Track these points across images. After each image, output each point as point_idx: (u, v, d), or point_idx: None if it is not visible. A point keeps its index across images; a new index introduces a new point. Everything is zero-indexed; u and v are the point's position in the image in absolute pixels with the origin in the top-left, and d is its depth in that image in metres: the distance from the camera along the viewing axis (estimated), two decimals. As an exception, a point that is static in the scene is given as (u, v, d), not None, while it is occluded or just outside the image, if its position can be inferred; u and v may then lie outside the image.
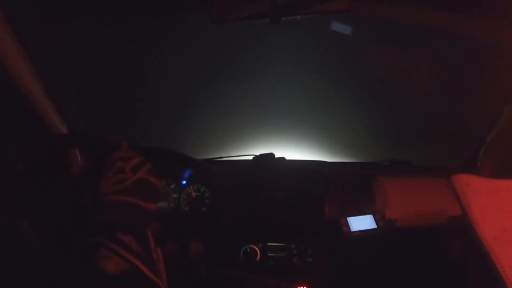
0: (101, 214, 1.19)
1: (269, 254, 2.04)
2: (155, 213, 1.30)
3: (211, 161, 2.38)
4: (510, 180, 1.67)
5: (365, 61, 2.73)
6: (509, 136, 1.99)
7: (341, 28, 2.28)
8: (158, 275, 1.18)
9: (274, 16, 1.59)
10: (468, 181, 1.72)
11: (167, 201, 2.14)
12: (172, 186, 2.17)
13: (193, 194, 2.15)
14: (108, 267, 1.07)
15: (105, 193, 1.22)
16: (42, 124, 1.71)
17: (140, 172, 1.29)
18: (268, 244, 2.06)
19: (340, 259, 2.11)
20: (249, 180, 2.20)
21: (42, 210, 1.53)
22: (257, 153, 2.27)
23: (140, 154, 1.37)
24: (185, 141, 2.88)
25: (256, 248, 2.03)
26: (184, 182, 2.17)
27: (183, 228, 2.06)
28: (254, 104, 2.92)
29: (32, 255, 1.55)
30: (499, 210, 1.59)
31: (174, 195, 2.15)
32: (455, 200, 2.02)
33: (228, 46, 2.74)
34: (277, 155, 2.26)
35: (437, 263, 2.17)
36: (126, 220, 1.18)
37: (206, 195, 2.15)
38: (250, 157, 2.28)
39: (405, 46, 2.56)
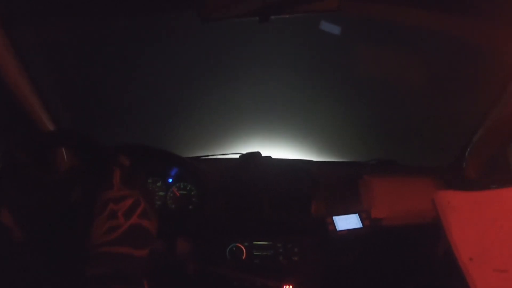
0: (93, 267, 1.13)
1: (255, 253, 2.04)
2: (148, 259, 1.25)
3: (198, 159, 2.37)
4: (492, 191, 1.68)
5: (353, 60, 2.74)
6: (495, 137, 2.01)
7: (330, 27, 2.28)
8: None
9: (263, 15, 1.59)
10: (449, 199, 1.72)
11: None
12: (159, 184, 2.16)
13: (178, 192, 2.14)
14: None
15: (97, 243, 1.16)
16: (29, 122, 1.69)
17: (134, 216, 1.21)
18: (254, 242, 2.06)
19: (326, 258, 2.12)
20: (235, 178, 2.20)
21: (28, 209, 1.51)
22: (244, 152, 2.27)
23: (133, 191, 1.28)
24: (172, 139, 2.87)
25: (242, 246, 2.03)
26: (170, 180, 2.17)
27: (170, 226, 2.06)
28: (241, 103, 2.92)
29: (21, 259, 1.54)
30: (479, 226, 1.60)
31: (161, 193, 2.14)
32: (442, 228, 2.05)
33: (215, 44, 2.73)
34: (263, 154, 2.26)
35: (422, 261, 2.19)
36: (120, 272, 1.13)
37: (192, 193, 2.15)
38: (237, 156, 2.28)
39: (393, 46, 2.57)
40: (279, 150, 2.89)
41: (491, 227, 1.55)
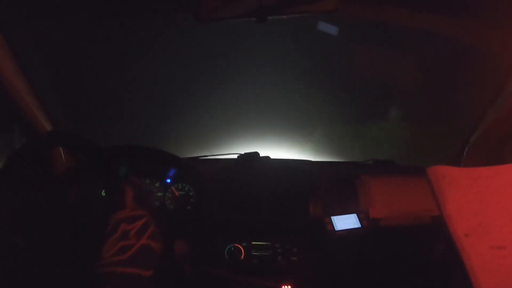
0: (104, 286, 1.15)
1: (254, 253, 2.04)
2: (153, 278, 1.27)
3: (196, 159, 2.37)
4: (490, 167, 1.65)
5: (350, 61, 2.74)
6: (493, 137, 2.02)
7: (328, 28, 2.28)
8: None
9: (261, 15, 1.59)
10: (444, 173, 1.67)
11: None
12: (157, 184, 2.16)
13: (177, 193, 2.14)
14: None
15: (108, 262, 1.18)
16: (27, 122, 1.69)
17: (144, 237, 1.25)
18: (253, 243, 2.06)
19: (324, 258, 2.12)
20: (233, 179, 2.19)
21: (26, 211, 1.51)
22: (242, 152, 2.27)
23: (145, 211, 1.32)
24: (170, 139, 2.87)
25: (241, 247, 2.03)
26: (168, 180, 2.16)
27: (168, 227, 2.06)
28: (239, 103, 2.92)
29: (19, 261, 1.54)
30: (476, 201, 1.56)
31: (159, 194, 2.14)
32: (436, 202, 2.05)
33: (213, 45, 2.73)
34: (262, 154, 2.26)
35: (421, 262, 2.19)
36: None
37: (190, 194, 2.15)
38: (235, 156, 2.28)
39: (391, 46, 2.57)
40: (277, 150, 2.89)
41: (488, 203, 1.52)
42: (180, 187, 2.16)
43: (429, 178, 1.69)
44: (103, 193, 1.67)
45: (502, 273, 1.36)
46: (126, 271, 1.17)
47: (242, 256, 2.02)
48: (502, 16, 1.60)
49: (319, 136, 2.99)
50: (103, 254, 1.19)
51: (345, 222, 2.02)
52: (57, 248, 1.56)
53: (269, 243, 2.07)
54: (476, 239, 1.44)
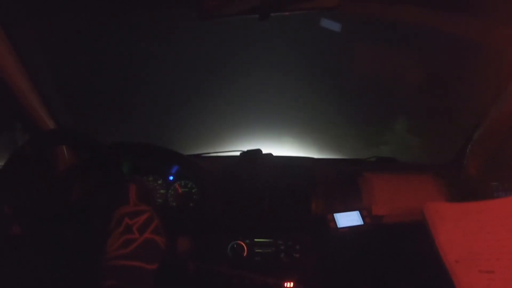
0: (108, 279, 1.16)
1: (256, 250, 2.04)
2: (157, 272, 1.28)
3: (199, 156, 2.37)
4: (479, 202, 1.70)
5: (353, 58, 2.74)
6: (496, 135, 2.01)
7: (330, 25, 2.28)
8: None
9: (263, 13, 1.59)
10: (437, 208, 1.76)
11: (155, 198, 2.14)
12: (160, 182, 2.16)
13: (180, 190, 2.15)
14: None
15: (112, 255, 1.20)
16: (29, 120, 1.69)
17: (148, 231, 1.27)
18: (255, 240, 2.06)
19: (326, 255, 2.12)
20: (236, 176, 2.19)
21: (29, 209, 1.51)
22: (245, 149, 2.27)
23: (148, 206, 1.34)
24: (173, 136, 2.88)
25: (243, 244, 2.03)
26: (171, 178, 2.17)
27: (171, 224, 2.06)
28: (242, 100, 2.92)
29: (23, 258, 1.54)
30: (467, 233, 1.62)
31: (162, 191, 2.15)
32: (441, 195, 2.05)
33: (216, 43, 2.73)
34: (264, 151, 2.26)
35: (423, 259, 2.19)
36: (132, 285, 1.17)
37: (193, 191, 2.15)
38: (238, 153, 2.28)
39: (393, 44, 2.57)
40: (280, 147, 2.89)
41: (478, 234, 1.58)
42: (183, 184, 2.16)
43: (424, 214, 1.77)
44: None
45: None
46: (129, 264, 1.18)
47: (245, 253, 2.02)
48: (506, 14, 1.59)
49: (322, 133, 2.99)
50: (107, 249, 1.21)
51: (347, 219, 2.02)
52: (60, 246, 1.56)
53: (271, 240, 2.07)
54: (466, 264, 1.50)
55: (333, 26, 2.29)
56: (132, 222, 1.26)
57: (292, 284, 1.92)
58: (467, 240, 1.58)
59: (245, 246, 2.03)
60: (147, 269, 1.21)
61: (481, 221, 1.62)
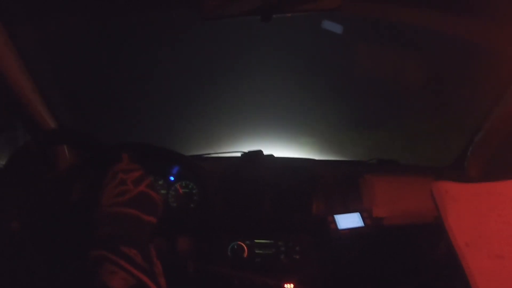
0: (104, 226, 1.13)
1: (257, 251, 2.04)
2: (156, 227, 1.27)
3: (200, 157, 2.37)
4: (491, 183, 1.67)
5: (355, 60, 2.74)
6: (497, 137, 2.01)
7: (332, 26, 2.28)
8: None
9: (265, 14, 1.59)
10: (447, 188, 1.72)
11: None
12: (160, 182, 2.16)
13: (181, 190, 2.15)
14: (114, 283, 1.01)
15: (107, 204, 1.19)
16: (31, 119, 1.69)
17: (142, 185, 1.26)
18: (256, 241, 2.06)
19: (327, 257, 2.12)
20: (237, 177, 2.20)
21: (30, 208, 1.52)
22: (246, 150, 2.27)
23: (140, 167, 1.35)
24: (174, 137, 2.88)
25: (244, 245, 2.04)
26: (172, 178, 2.17)
27: (171, 224, 2.06)
28: (243, 101, 2.92)
29: (24, 258, 1.54)
30: (477, 215, 1.59)
31: (162, 191, 2.15)
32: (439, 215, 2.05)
33: (218, 44, 2.73)
34: (265, 152, 2.26)
35: (423, 261, 2.19)
36: (130, 233, 1.14)
37: (194, 191, 2.15)
38: (239, 154, 2.28)
39: (395, 45, 2.57)
40: (281, 148, 2.89)
41: (488, 216, 1.55)
42: (183, 184, 2.16)
43: (433, 192, 1.72)
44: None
45: (501, 281, 1.39)
46: (125, 210, 1.17)
47: (245, 254, 2.02)
48: (508, 15, 1.59)
49: (323, 135, 2.99)
50: (102, 199, 1.21)
51: (348, 221, 2.02)
52: (61, 245, 1.56)
53: (272, 241, 2.07)
54: (476, 248, 1.47)
55: (335, 27, 2.29)
56: (126, 177, 1.26)
57: (292, 285, 1.93)
58: (477, 223, 1.55)
59: (245, 247, 2.03)
60: (144, 219, 1.20)
61: (492, 203, 1.59)
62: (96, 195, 1.24)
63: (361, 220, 2.02)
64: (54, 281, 1.59)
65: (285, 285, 1.91)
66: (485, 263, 1.42)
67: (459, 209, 1.62)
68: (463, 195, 1.66)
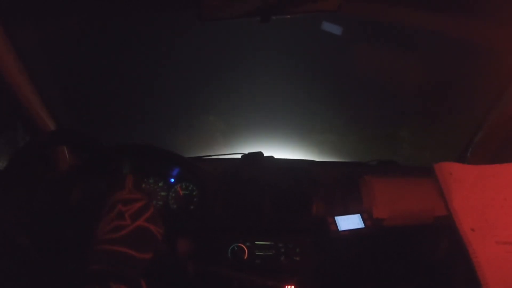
0: (95, 263, 1.14)
1: (257, 253, 2.04)
2: (150, 261, 1.26)
3: (200, 159, 2.37)
4: (496, 165, 1.64)
5: (354, 61, 2.74)
6: (497, 137, 2.01)
7: (331, 28, 2.28)
8: None
9: (265, 15, 1.59)
10: (451, 170, 1.68)
11: (155, 200, 2.13)
12: (160, 184, 2.16)
13: (181, 192, 2.15)
14: None
15: (100, 240, 1.18)
16: (30, 121, 1.69)
17: (141, 219, 1.24)
18: (256, 242, 2.06)
19: (327, 258, 2.12)
20: (237, 178, 2.19)
21: (30, 210, 1.51)
22: (246, 152, 2.27)
23: (144, 197, 1.32)
24: (174, 139, 2.88)
25: (244, 246, 2.03)
26: (172, 180, 2.17)
27: (171, 226, 2.05)
28: (243, 103, 2.92)
29: (24, 260, 1.54)
30: (482, 198, 1.56)
31: (162, 193, 2.15)
32: (442, 199, 2.04)
33: (218, 45, 2.73)
34: (265, 154, 2.26)
35: (424, 262, 2.19)
36: (120, 271, 1.14)
37: (194, 193, 2.15)
38: (239, 156, 2.28)
39: (394, 46, 2.57)
40: (281, 150, 2.89)
41: (494, 199, 1.52)
42: (183, 186, 2.16)
43: (436, 174, 1.69)
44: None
45: (508, 267, 1.37)
46: (117, 249, 1.16)
47: (246, 256, 2.02)
48: (507, 16, 1.59)
49: (323, 136, 2.99)
50: (97, 233, 1.20)
51: (348, 222, 2.02)
52: (61, 247, 1.56)
53: (272, 243, 2.06)
54: (483, 234, 1.44)
55: (334, 28, 2.29)
56: (125, 209, 1.24)
57: (292, 287, 1.92)
58: (483, 207, 1.52)
59: (245, 249, 2.03)
60: (136, 257, 1.19)
61: (497, 186, 1.56)
62: (92, 224, 1.23)
63: (361, 221, 2.02)
64: (53, 282, 1.58)
65: (286, 287, 1.90)
66: (492, 249, 1.40)
67: (464, 192, 1.58)
68: (467, 177, 1.63)
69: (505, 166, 1.61)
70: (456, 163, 1.70)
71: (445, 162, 1.70)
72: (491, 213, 1.50)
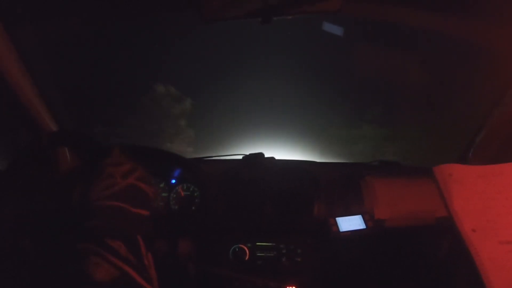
0: (90, 220, 1.15)
1: (258, 254, 2.04)
2: (147, 219, 1.27)
3: (201, 160, 2.37)
4: (495, 166, 1.64)
5: (356, 62, 2.75)
6: (498, 138, 2.01)
7: (333, 28, 2.28)
8: (149, 281, 1.15)
9: (266, 16, 1.59)
10: (451, 171, 1.68)
11: (156, 201, 2.14)
12: (162, 185, 2.16)
13: (182, 193, 2.15)
14: (98, 274, 1.03)
15: (94, 198, 1.19)
16: (32, 122, 1.70)
17: (131, 177, 1.26)
18: (257, 243, 2.06)
19: (329, 259, 2.12)
20: (238, 179, 2.19)
21: (30, 211, 1.51)
22: (247, 153, 2.27)
23: (131, 160, 1.34)
24: (175, 140, 2.89)
25: (245, 247, 2.03)
26: (173, 181, 2.17)
27: (172, 227, 2.06)
28: (244, 104, 2.93)
29: (24, 259, 1.54)
30: (483, 198, 1.55)
31: (164, 194, 2.15)
32: (443, 201, 2.04)
33: (219, 46, 2.75)
34: (266, 155, 2.26)
35: (425, 263, 2.18)
36: (115, 226, 1.15)
37: (195, 194, 2.15)
38: (240, 157, 2.28)
39: (396, 47, 2.58)
40: (282, 151, 2.90)
41: (495, 200, 1.52)
42: (185, 187, 2.16)
43: (436, 177, 1.69)
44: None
45: (510, 267, 1.37)
46: (111, 204, 1.18)
47: (247, 257, 2.02)
48: (508, 16, 1.59)
49: (324, 137, 3.00)
50: (90, 193, 1.21)
51: (350, 223, 2.02)
52: (62, 249, 1.56)
53: (273, 244, 2.06)
54: (484, 234, 1.44)
55: (336, 29, 2.29)
56: (114, 170, 1.26)
57: (293, 288, 1.92)
58: (483, 207, 1.52)
59: (247, 250, 2.03)
60: (132, 211, 1.20)
61: (498, 186, 1.56)
62: (86, 189, 1.24)
63: (363, 222, 2.02)
64: (53, 280, 1.58)
65: (287, 288, 1.91)
66: (494, 249, 1.39)
67: (464, 193, 1.58)
68: (467, 178, 1.63)
69: (506, 166, 1.60)
70: (456, 164, 1.69)
71: (444, 164, 1.70)
72: (492, 213, 1.50)
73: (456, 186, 1.62)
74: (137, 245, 1.16)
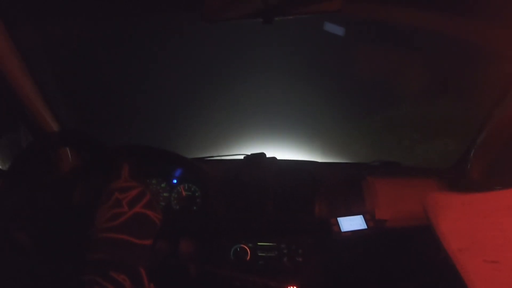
0: (94, 252, 1.14)
1: (260, 254, 2.04)
2: (149, 249, 1.26)
3: (203, 160, 2.37)
4: (482, 193, 1.67)
5: (356, 62, 2.74)
6: (499, 139, 2.01)
7: (334, 29, 2.28)
8: None
9: (267, 16, 1.59)
10: (437, 200, 1.72)
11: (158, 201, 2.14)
12: (163, 185, 2.16)
13: (183, 193, 2.15)
14: None
15: (99, 228, 1.18)
16: (33, 122, 1.70)
17: (138, 206, 1.24)
18: (259, 243, 2.06)
19: (330, 259, 2.12)
20: (240, 179, 2.19)
21: (32, 211, 1.52)
22: (249, 153, 2.27)
23: (140, 183, 1.32)
24: (177, 140, 2.88)
25: (247, 247, 2.03)
26: (175, 181, 2.17)
27: (174, 227, 2.06)
28: (245, 104, 2.92)
29: (25, 260, 1.54)
30: (469, 223, 1.57)
31: (165, 194, 2.15)
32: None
33: (221, 46, 2.74)
34: (268, 155, 2.26)
35: (426, 263, 2.18)
36: (120, 258, 1.14)
37: (196, 194, 2.15)
38: (241, 157, 2.28)
39: (397, 47, 2.57)
40: (283, 151, 2.89)
41: (481, 224, 1.54)
42: (186, 187, 2.16)
43: (425, 207, 1.72)
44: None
45: (498, 284, 1.39)
46: (116, 237, 1.16)
47: (248, 257, 2.02)
48: (508, 16, 1.59)
49: (326, 137, 3.00)
50: (95, 222, 1.20)
51: (351, 223, 2.02)
52: (63, 247, 1.57)
53: (275, 244, 2.06)
54: (470, 253, 1.46)
55: (337, 29, 2.29)
56: (121, 197, 1.24)
57: (294, 288, 1.92)
58: (469, 229, 1.54)
59: (248, 250, 2.03)
60: (137, 244, 1.19)
61: (484, 212, 1.59)
62: (91, 214, 1.23)
63: (364, 222, 2.02)
64: (54, 283, 1.59)
65: (288, 288, 1.91)
66: (480, 268, 1.42)
67: (450, 216, 1.62)
68: (453, 204, 1.66)
69: (489, 194, 1.64)
70: (444, 193, 1.73)
71: (433, 194, 1.73)
72: (478, 235, 1.52)
73: (443, 211, 1.65)
74: (140, 278, 1.16)
